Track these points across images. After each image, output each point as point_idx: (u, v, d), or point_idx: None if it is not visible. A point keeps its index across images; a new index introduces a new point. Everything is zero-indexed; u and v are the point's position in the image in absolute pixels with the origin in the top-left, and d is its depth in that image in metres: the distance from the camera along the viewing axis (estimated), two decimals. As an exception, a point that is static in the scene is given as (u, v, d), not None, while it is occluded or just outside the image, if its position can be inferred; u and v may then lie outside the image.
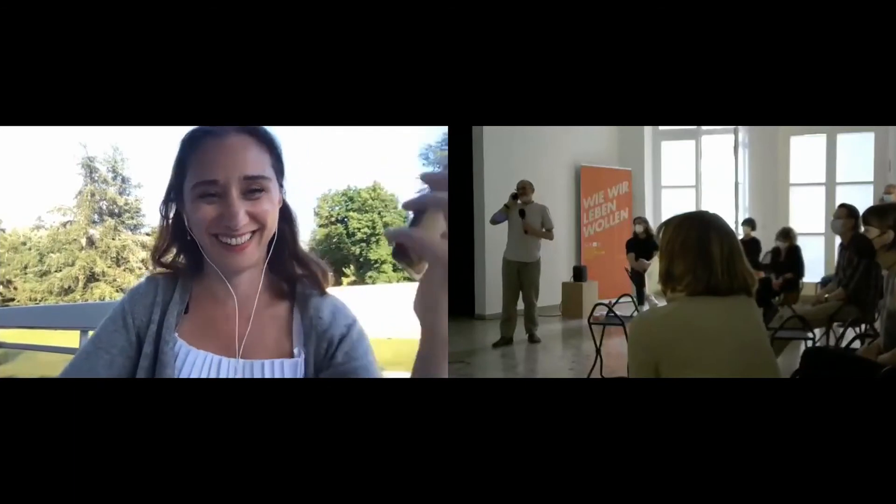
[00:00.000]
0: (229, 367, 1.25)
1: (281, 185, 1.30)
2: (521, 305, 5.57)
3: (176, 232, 1.30)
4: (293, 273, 1.34)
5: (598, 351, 4.12)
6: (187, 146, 1.25)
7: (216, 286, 1.29)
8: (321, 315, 1.30)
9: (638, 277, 6.94)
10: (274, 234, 1.28)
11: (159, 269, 1.33)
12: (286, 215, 1.31)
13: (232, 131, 1.23)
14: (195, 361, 1.24)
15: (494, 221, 5.55)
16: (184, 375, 1.23)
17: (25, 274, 24.57)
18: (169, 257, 1.32)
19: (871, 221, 2.60)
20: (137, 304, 1.28)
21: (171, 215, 1.30)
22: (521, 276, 5.48)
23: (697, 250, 1.42)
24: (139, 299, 1.29)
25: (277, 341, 1.29)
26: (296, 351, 1.27)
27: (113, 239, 24.62)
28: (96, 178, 24.96)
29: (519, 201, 5.42)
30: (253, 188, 1.22)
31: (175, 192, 1.28)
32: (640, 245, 6.96)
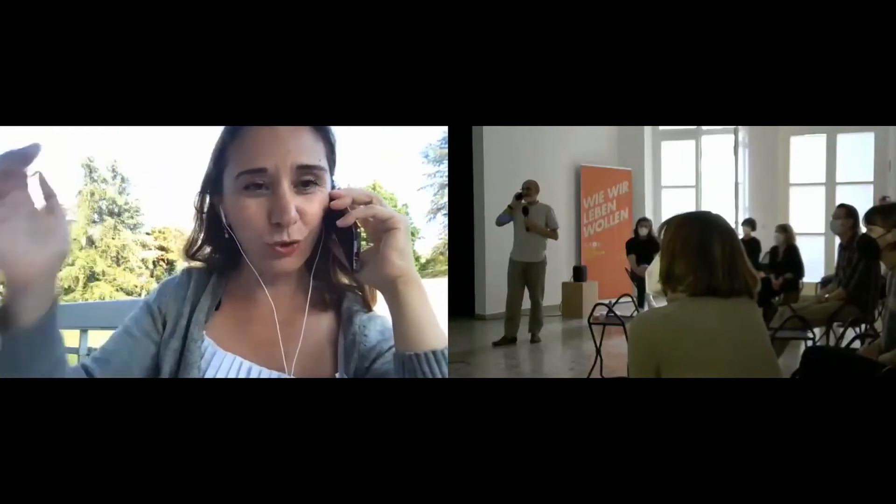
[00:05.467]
0: (259, 376, 1.16)
1: (332, 181, 1.15)
2: (525, 305, 5.57)
3: (210, 228, 1.19)
4: (339, 282, 1.22)
5: (598, 351, 4.11)
6: (230, 132, 1.12)
7: (252, 286, 1.18)
8: (366, 333, 1.18)
9: (638, 278, 6.94)
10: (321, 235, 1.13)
11: (194, 263, 1.24)
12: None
13: None
14: (221, 364, 1.16)
15: (500, 223, 5.55)
16: (208, 377, 1.15)
17: (25, 274, 24.50)
18: (202, 253, 1.23)
19: (875, 220, 2.60)
20: (168, 296, 1.20)
21: (206, 209, 1.18)
22: (527, 275, 5.48)
23: (699, 250, 1.42)
24: (171, 290, 1.21)
25: (318, 359, 1.19)
26: (336, 376, 1.17)
27: (113, 238, 24.61)
28: (96, 178, 24.94)
29: (523, 201, 5.42)
30: (306, 179, 1.07)
31: (212, 184, 1.15)
32: (641, 246, 6.95)
